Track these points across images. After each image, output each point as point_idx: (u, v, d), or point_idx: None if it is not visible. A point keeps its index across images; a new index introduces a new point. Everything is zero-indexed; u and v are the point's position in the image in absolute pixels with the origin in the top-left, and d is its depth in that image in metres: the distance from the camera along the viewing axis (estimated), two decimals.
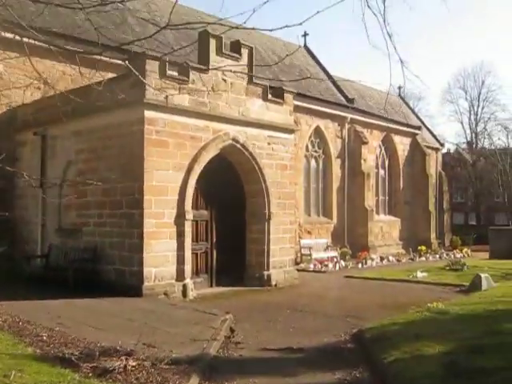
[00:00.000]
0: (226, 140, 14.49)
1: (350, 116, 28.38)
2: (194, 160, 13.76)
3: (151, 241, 12.96)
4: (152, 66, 12.90)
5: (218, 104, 14.31)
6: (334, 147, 27.63)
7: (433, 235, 32.75)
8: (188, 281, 13.61)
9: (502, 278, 17.01)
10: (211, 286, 15.16)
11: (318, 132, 26.92)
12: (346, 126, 28.26)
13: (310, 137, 26.57)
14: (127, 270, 13.19)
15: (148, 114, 12.91)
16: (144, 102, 12.77)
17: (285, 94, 16.14)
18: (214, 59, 14.23)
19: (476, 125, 55.06)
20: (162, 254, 13.15)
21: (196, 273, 14.75)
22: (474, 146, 54.21)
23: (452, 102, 57.68)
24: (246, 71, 15.04)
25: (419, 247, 27.14)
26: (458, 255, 27.49)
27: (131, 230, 13.13)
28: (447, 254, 27.49)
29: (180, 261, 13.46)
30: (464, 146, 55.72)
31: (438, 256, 26.80)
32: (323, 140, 27.23)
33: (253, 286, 15.23)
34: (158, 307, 11.46)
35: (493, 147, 47.16)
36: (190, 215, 13.66)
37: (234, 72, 14.22)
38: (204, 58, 14.21)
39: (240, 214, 15.76)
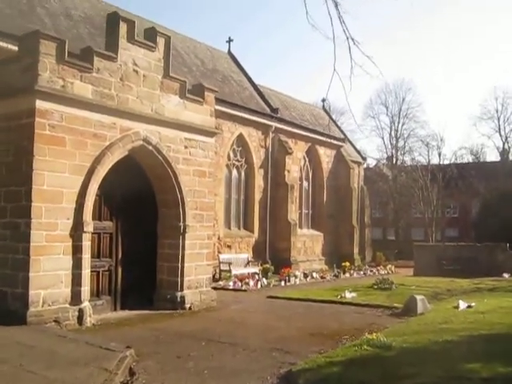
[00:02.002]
0: (136, 140, 12.49)
1: (274, 125, 27.08)
2: (97, 162, 11.67)
3: (40, 257, 10.74)
4: (47, 48, 10.80)
5: (128, 98, 12.32)
6: (258, 157, 26.21)
7: (356, 250, 32.02)
8: (85, 304, 11.46)
9: (433, 298, 15.98)
10: (115, 309, 13.04)
11: (240, 140, 25.41)
12: (271, 134, 26.93)
13: (232, 145, 25.01)
14: (9, 292, 10.86)
15: (40, 104, 10.73)
16: (35, 90, 10.60)
17: (205, 93, 14.38)
18: (125, 46, 12.28)
19: (396, 140, 55.70)
20: (53, 273, 10.93)
21: (97, 294, 12.61)
22: (394, 161, 54.67)
23: (373, 118, 58.13)
24: (162, 63, 13.17)
25: (343, 263, 26.06)
26: (383, 272, 26.73)
27: (16, 243, 10.83)
28: (371, 271, 26.62)
29: (76, 281, 11.29)
30: (384, 161, 56.15)
31: (362, 273, 25.86)
32: (246, 149, 25.74)
33: (164, 308, 13.26)
34: (41, 340, 9.28)
35: (414, 163, 47.52)
36: (89, 227, 11.53)
37: (149, 62, 12.41)
38: (112, 45, 12.22)
39: (152, 227, 13.78)
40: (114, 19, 12.36)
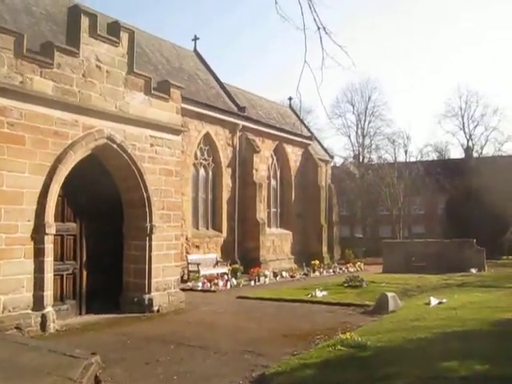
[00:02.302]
0: (100, 138, 12.05)
1: (241, 123, 26.81)
2: (59, 161, 11.20)
3: (0, 261, 10.26)
4: (5, 42, 10.35)
5: (91, 95, 11.88)
6: (225, 155, 25.90)
7: (324, 248, 31.97)
8: (49, 310, 11.00)
9: (403, 295, 15.93)
10: (80, 314, 12.59)
11: (207, 139, 25.07)
12: (238, 133, 26.64)
13: (199, 144, 24.64)
14: None
15: None
16: None
17: (171, 89, 14.01)
18: (87, 41, 11.84)
19: (363, 139, 56.04)
20: (13, 278, 10.46)
21: (61, 299, 12.16)
22: (361, 159, 55.00)
23: (340, 116, 58.33)
24: (126, 59, 12.77)
25: (312, 262, 25.94)
26: (352, 269, 26.69)
27: None
28: (340, 269, 26.53)
29: (38, 285, 10.82)
30: (351, 159, 56.45)
31: (331, 271, 25.74)
32: (213, 147, 25.41)
33: (132, 312, 12.85)
34: (0, 349, 8.79)
35: (381, 161, 47.84)
36: (51, 229, 11.06)
37: (113, 58, 12.01)
38: (74, 39, 11.77)
39: (117, 228, 13.35)
40: (75, 13, 11.91)
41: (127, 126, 12.65)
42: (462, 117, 55.41)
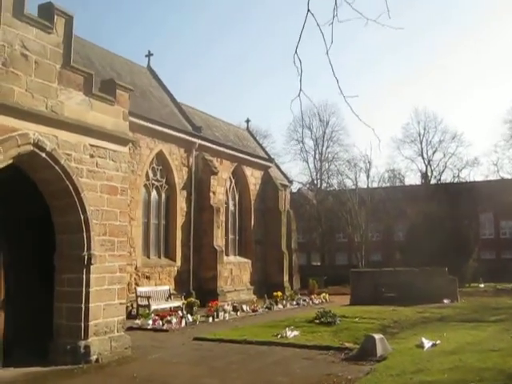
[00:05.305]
0: (24, 145, 9.51)
1: (198, 142, 24.68)
2: None
3: None
4: None
5: (13, 90, 9.42)
6: (180, 176, 23.62)
7: (286, 278, 29.83)
8: None
9: (383, 334, 13.74)
10: None
11: (160, 158, 22.78)
12: (194, 152, 24.46)
13: (152, 163, 22.32)
14: None
15: None
16: None
17: (117, 91, 11.67)
18: (10, 22, 9.42)
19: (321, 164, 54.56)
20: None
21: None
22: (319, 184, 53.45)
23: (298, 141, 56.84)
24: (61, 50, 10.41)
25: (274, 293, 23.66)
26: (317, 301, 24.60)
27: None
28: (304, 300, 24.34)
29: None
30: (309, 185, 54.88)
31: (295, 303, 23.53)
32: (167, 167, 23.12)
33: (64, 363, 10.22)
34: None
35: (342, 186, 46.36)
36: None
37: (44, 47, 9.67)
38: None
39: (48, 257, 10.80)
40: None
41: (61, 131, 10.19)
42: (421, 142, 54.88)
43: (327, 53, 5.25)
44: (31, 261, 10.52)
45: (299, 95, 5.43)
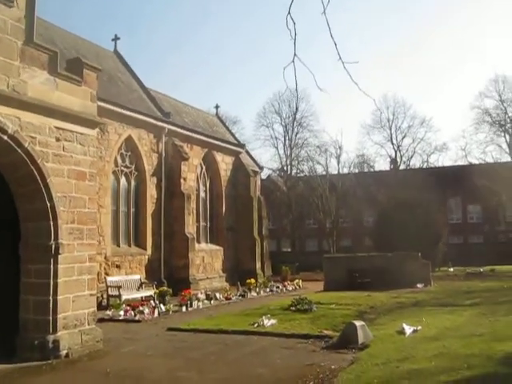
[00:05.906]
0: None
1: (168, 127, 24.06)
2: None
3: None
4: None
5: None
6: (150, 163, 22.99)
7: (258, 265, 29.52)
8: None
9: (360, 319, 13.54)
10: None
11: (129, 143, 22.11)
12: (164, 138, 23.83)
13: (120, 149, 21.65)
14: None
15: None
16: None
17: (84, 70, 11.01)
18: None
19: (291, 150, 54.25)
20: None
21: None
22: (289, 170, 53.19)
23: (267, 127, 56.41)
24: (23, 26, 9.73)
25: (247, 280, 23.28)
26: (290, 288, 24.34)
27: None
28: (278, 287, 24.07)
29: None
30: (278, 171, 54.58)
31: (268, 290, 23.21)
32: (136, 153, 22.47)
33: (31, 359, 9.62)
34: None
35: (312, 172, 46.14)
36: None
37: (4, 21, 9.00)
38: None
39: (12, 248, 10.18)
40: None
41: (24, 112, 9.53)
42: (390, 128, 55.06)
43: (324, 12, 4.79)
44: None
45: (293, 61, 4.97)
